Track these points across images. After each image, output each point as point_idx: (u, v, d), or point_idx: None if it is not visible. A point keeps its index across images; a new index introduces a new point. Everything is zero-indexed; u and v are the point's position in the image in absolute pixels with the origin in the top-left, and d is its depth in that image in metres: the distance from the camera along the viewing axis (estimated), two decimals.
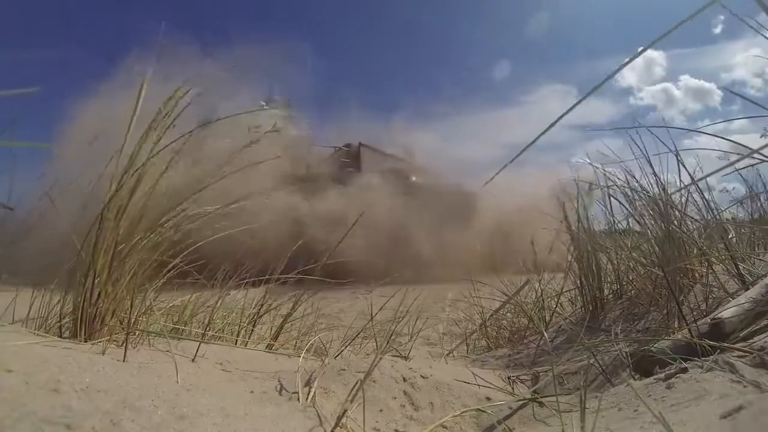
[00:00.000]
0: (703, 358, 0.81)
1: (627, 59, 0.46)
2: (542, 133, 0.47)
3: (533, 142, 0.48)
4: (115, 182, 1.04)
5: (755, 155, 0.93)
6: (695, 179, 1.38)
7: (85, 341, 0.96)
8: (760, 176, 1.63)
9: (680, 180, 1.51)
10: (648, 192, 1.67)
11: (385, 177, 11.55)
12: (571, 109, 0.46)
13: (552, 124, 0.46)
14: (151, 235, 1.08)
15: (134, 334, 1.03)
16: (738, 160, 0.54)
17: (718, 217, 1.53)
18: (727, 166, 0.52)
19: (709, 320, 0.92)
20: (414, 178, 12.40)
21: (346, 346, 1.52)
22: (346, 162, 13.38)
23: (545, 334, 1.51)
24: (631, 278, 1.75)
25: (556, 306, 1.91)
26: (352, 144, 14.44)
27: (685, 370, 0.78)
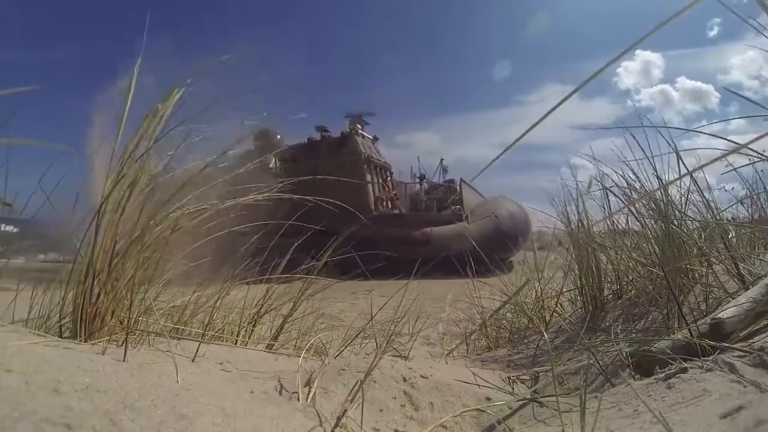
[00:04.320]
0: (703, 358, 0.81)
1: (618, 54, 0.46)
2: (532, 127, 0.48)
3: (521, 137, 0.48)
4: (112, 178, 1.03)
5: (752, 154, 0.93)
6: (690, 170, 1.38)
7: (85, 341, 0.96)
8: (758, 176, 1.62)
9: (679, 174, 1.51)
10: (647, 191, 1.67)
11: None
12: (560, 103, 0.46)
13: (542, 118, 0.47)
14: (152, 233, 1.08)
15: (134, 334, 1.03)
16: (728, 153, 0.54)
17: (718, 217, 1.53)
18: (719, 158, 0.52)
19: (709, 320, 0.92)
20: (507, 207, 14.75)
21: (346, 346, 1.52)
22: (452, 199, 14.90)
23: (545, 334, 1.51)
24: (631, 278, 1.75)
25: (556, 306, 1.91)
26: (454, 180, 15.64)
27: (685, 370, 0.78)
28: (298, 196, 1.48)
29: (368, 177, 15.27)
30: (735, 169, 1.25)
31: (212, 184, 1.22)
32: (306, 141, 16.58)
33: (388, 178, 16.73)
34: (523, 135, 0.47)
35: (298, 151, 15.52)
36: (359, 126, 16.71)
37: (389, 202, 15.82)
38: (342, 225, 1.87)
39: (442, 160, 18.48)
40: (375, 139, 17.47)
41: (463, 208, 15.07)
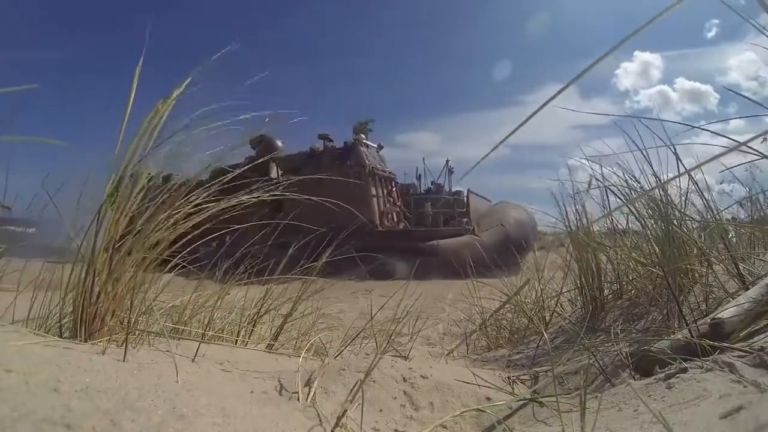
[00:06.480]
0: (703, 358, 0.81)
1: (613, 47, 0.46)
2: (522, 123, 0.48)
3: (512, 132, 0.48)
4: (113, 177, 1.03)
5: (751, 152, 0.93)
6: (688, 169, 1.38)
7: (85, 341, 0.96)
8: (753, 176, 1.61)
9: (679, 172, 1.51)
10: (646, 191, 1.67)
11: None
12: (551, 99, 0.47)
13: (532, 115, 0.47)
14: (152, 233, 1.08)
15: (134, 334, 1.03)
16: (725, 152, 0.54)
17: (718, 217, 1.53)
18: (719, 156, 0.52)
19: (709, 320, 0.92)
20: (513, 214, 14.87)
21: (346, 346, 1.52)
22: (459, 212, 14.86)
23: (545, 334, 1.51)
24: (631, 278, 1.75)
25: (556, 306, 1.91)
26: (461, 191, 15.54)
27: (685, 370, 0.78)
28: (298, 195, 1.48)
29: (373, 190, 15.05)
30: (729, 169, 1.25)
31: (210, 184, 1.22)
32: (308, 150, 16.38)
33: (393, 189, 16.52)
34: (517, 128, 0.47)
35: (300, 161, 15.31)
36: (363, 135, 16.46)
37: (394, 215, 15.66)
38: (345, 241, 1.85)
39: (447, 161, 18.40)
40: (380, 147, 17.21)
41: (470, 220, 15.02)
